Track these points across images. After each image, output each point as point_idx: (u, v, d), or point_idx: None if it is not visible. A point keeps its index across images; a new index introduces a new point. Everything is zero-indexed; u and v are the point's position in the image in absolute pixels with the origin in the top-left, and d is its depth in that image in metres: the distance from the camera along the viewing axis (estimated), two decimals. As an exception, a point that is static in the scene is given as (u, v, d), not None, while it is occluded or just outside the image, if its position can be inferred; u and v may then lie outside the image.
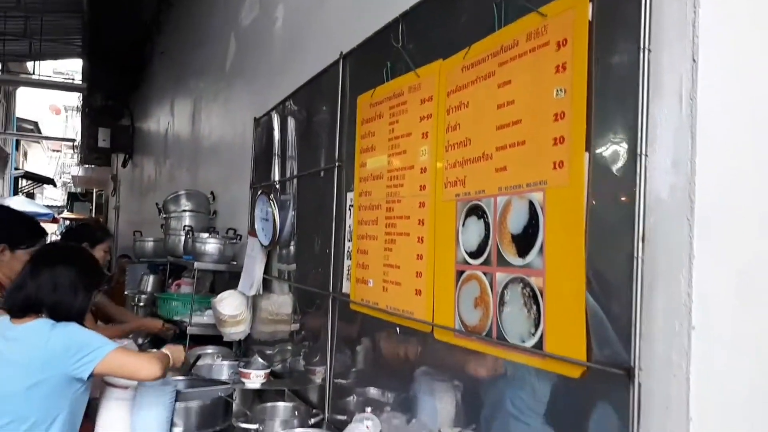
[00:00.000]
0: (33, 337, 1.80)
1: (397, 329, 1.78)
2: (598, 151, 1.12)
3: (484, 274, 1.38)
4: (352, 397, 2.07)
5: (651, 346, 0.99)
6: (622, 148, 1.07)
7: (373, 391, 1.94)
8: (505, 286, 1.31)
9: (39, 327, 1.82)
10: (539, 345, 1.20)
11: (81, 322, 1.93)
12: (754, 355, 0.97)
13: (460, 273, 1.47)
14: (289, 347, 2.79)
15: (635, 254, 1.01)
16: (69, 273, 1.93)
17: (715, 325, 0.95)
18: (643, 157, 1.02)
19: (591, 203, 1.11)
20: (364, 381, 2.02)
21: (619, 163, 1.08)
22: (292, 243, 2.83)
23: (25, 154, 25.91)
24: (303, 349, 2.62)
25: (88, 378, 1.82)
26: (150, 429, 2.05)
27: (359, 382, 2.05)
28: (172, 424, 2.14)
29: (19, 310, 1.87)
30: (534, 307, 1.22)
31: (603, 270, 1.09)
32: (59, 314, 1.87)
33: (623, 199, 1.05)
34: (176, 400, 2.16)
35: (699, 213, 0.96)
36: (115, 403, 2.07)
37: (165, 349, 2.13)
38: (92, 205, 20.69)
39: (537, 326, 1.21)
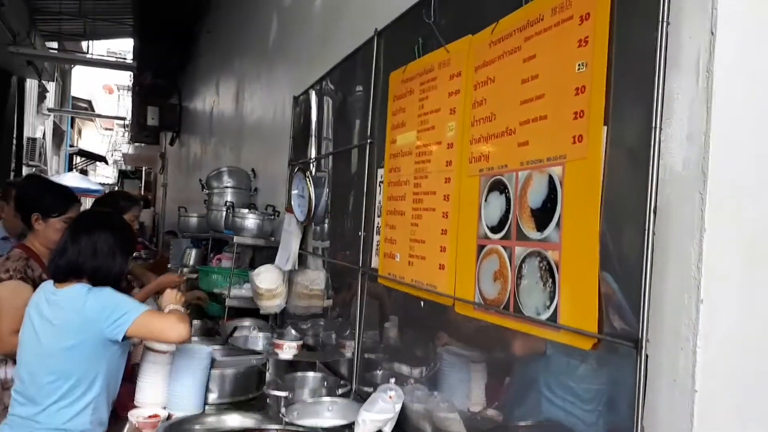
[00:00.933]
0: (71, 301, 1.91)
1: (422, 303, 1.82)
2: (615, 124, 1.12)
3: (504, 248, 1.40)
4: (378, 370, 2.13)
5: (659, 318, 1.00)
6: (639, 122, 1.06)
7: (398, 364, 1.99)
8: (523, 260, 1.33)
9: (77, 291, 1.93)
10: (554, 317, 1.22)
11: (119, 286, 2.03)
12: (762, 328, 0.97)
13: (481, 247, 1.50)
14: (322, 322, 2.87)
15: (647, 227, 1.01)
16: (107, 238, 2.01)
17: (723, 298, 0.95)
18: (658, 130, 1.02)
19: (607, 177, 1.12)
20: (390, 353, 2.07)
21: (636, 137, 1.08)
22: (326, 220, 2.89)
23: (80, 132, 26.95)
24: (335, 323, 2.70)
25: (123, 340, 1.92)
26: (186, 393, 2.15)
27: (385, 354, 2.10)
28: (207, 390, 2.24)
29: (62, 275, 1.98)
30: (550, 281, 1.24)
31: (616, 242, 1.10)
32: (99, 278, 1.97)
33: (638, 172, 1.05)
34: (212, 368, 2.27)
35: (711, 186, 0.95)
36: (153, 367, 2.19)
37: (164, 295, 2.23)
38: (141, 183, 21.40)
39: (552, 299, 1.23)
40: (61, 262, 1.97)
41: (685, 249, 0.97)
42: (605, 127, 1.14)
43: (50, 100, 16.34)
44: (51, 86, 15.88)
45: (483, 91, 1.56)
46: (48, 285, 2.01)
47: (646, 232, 1.01)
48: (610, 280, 1.10)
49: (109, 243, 2.01)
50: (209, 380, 2.23)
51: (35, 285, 2.19)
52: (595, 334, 1.11)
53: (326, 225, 2.91)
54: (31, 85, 13.31)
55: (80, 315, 1.89)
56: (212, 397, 2.24)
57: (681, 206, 0.99)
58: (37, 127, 14.73)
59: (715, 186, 0.96)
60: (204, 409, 2.17)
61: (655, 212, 1.01)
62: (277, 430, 1.77)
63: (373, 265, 2.19)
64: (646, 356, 1.00)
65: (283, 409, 1.96)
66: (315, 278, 3.02)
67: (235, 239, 3.47)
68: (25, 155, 12.94)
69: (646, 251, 1.01)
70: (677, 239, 0.99)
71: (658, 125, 1.03)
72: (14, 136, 12.20)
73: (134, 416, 2.03)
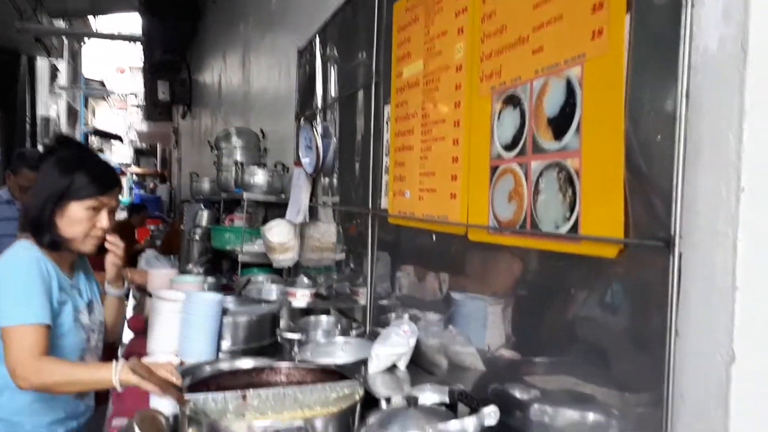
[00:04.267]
0: None
1: (433, 236, 1.75)
2: (639, 9, 1.01)
3: (519, 165, 1.31)
4: (392, 312, 2.07)
5: (694, 214, 0.91)
6: (666, 3, 0.96)
7: (412, 303, 1.93)
8: (540, 174, 1.24)
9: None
10: (574, 229, 1.14)
11: (41, 234, 1.69)
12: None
13: (494, 169, 1.41)
14: (335, 275, 2.82)
15: (678, 115, 0.92)
16: (44, 176, 1.73)
17: (766, 184, 0.85)
18: (689, 8, 0.91)
19: (632, 69, 1.02)
20: (403, 295, 2.01)
21: (663, 21, 0.97)
22: (335, 170, 2.81)
23: (94, 112, 27.01)
24: (347, 274, 2.64)
25: None
26: (198, 340, 2.11)
27: (399, 296, 2.04)
28: (220, 338, 2.20)
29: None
30: (569, 191, 1.15)
31: (643, 137, 1.00)
32: (25, 222, 1.72)
33: (666, 59, 0.95)
34: (224, 316, 2.23)
35: (752, 65, 0.85)
36: (163, 315, 2.16)
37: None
38: (157, 160, 21.50)
39: (572, 210, 1.14)
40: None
41: (722, 134, 0.87)
42: (628, 15, 1.03)
43: (62, 80, 16.33)
44: (62, 65, 15.85)
45: (492, 2, 1.45)
46: None
47: (678, 120, 0.92)
48: (637, 179, 1.01)
49: (44, 181, 1.72)
50: (222, 328, 2.20)
51: None
52: (621, 239, 1.02)
53: (335, 178, 2.84)
54: (42, 64, 13.29)
55: None
56: (225, 344, 2.20)
57: (717, 88, 0.89)
58: (50, 106, 14.75)
59: (757, 64, 0.85)
60: (217, 356, 2.13)
61: (687, 97, 0.91)
62: (289, 367, 1.71)
63: (383, 207, 2.12)
64: (680, 255, 0.91)
65: (296, 350, 1.91)
66: (326, 231, 2.95)
67: (245, 195, 3.42)
68: (39, 134, 12.99)
69: (678, 142, 0.92)
70: (712, 126, 0.89)
71: (689, 3, 0.92)
72: (27, 115, 12.23)
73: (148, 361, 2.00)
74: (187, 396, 1.43)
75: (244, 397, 1.50)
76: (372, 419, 1.32)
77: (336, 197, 2.83)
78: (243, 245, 3.40)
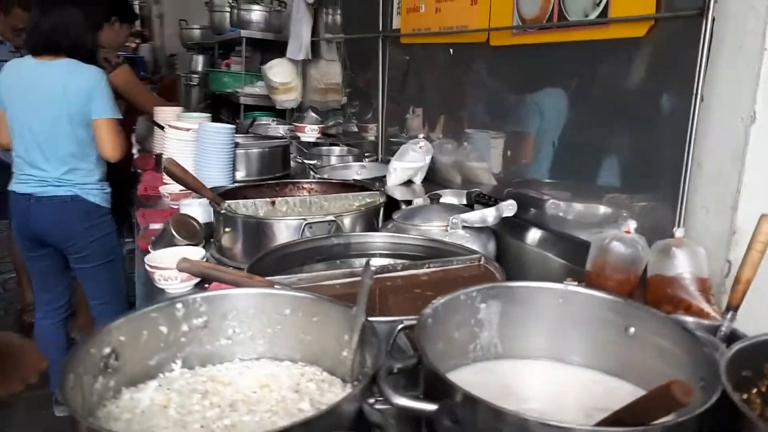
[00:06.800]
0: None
1: (450, 50, 1.73)
2: None
3: (547, -45, 1.27)
4: (404, 135, 2.10)
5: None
6: None
7: (425, 122, 1.95)
8: (570, -40, 1.21)
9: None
10: (604, 13, 1.14)
11: (95, 57, 2.15)
12: None
13: (519, -37, 1.36)
14: (341, 118, 2.82)
15: None
16: (75, 13, 2.05)
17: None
18: None
19: None
20: (416, 115, 2.03)
21: None
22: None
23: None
24: (355, 114, 2.64)
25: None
26: (214, 168, 2.16)
27: (411, 118, 2.06)
28: (234, 169, 2.25)
29: (42, 49, 2.03)
30: (601, -26, 1.13)
31: None
32: (77, 54, 2.05)
33: None
34: (236, 148, 2.26)
35: None
36: (178, 144, 2.19)
37: None
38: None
39: (602, -5, 1.14)
40: (37, 36, 2.04)
41: None
42: None
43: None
44: None
45: None
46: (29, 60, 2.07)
47: None
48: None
49: (79, 18, 2.05)
50: (235, 160, 2.24)
51: None
52: (653, 15, 1.03)
53: (339, 9, 2.72)
54: None
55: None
56: (240, 175, 2.26)
57: None
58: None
59: None
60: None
61: None
62: (311, 182, 1.78)
63: (395, 27, 2.07)
64: (713, 20, 0.92)
65: (312, 172, 1.97)
66: (329, 71, 2.90)
67: (242, 33, 3.29)
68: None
69: None
70: None
71: None
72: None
73: (165, 191, 2.07)
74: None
75: (273, 203, 1.58)
76: (397, 215, 1.40)
77: (340, 34, 2.74)
78: (244, 87, 3.35)
